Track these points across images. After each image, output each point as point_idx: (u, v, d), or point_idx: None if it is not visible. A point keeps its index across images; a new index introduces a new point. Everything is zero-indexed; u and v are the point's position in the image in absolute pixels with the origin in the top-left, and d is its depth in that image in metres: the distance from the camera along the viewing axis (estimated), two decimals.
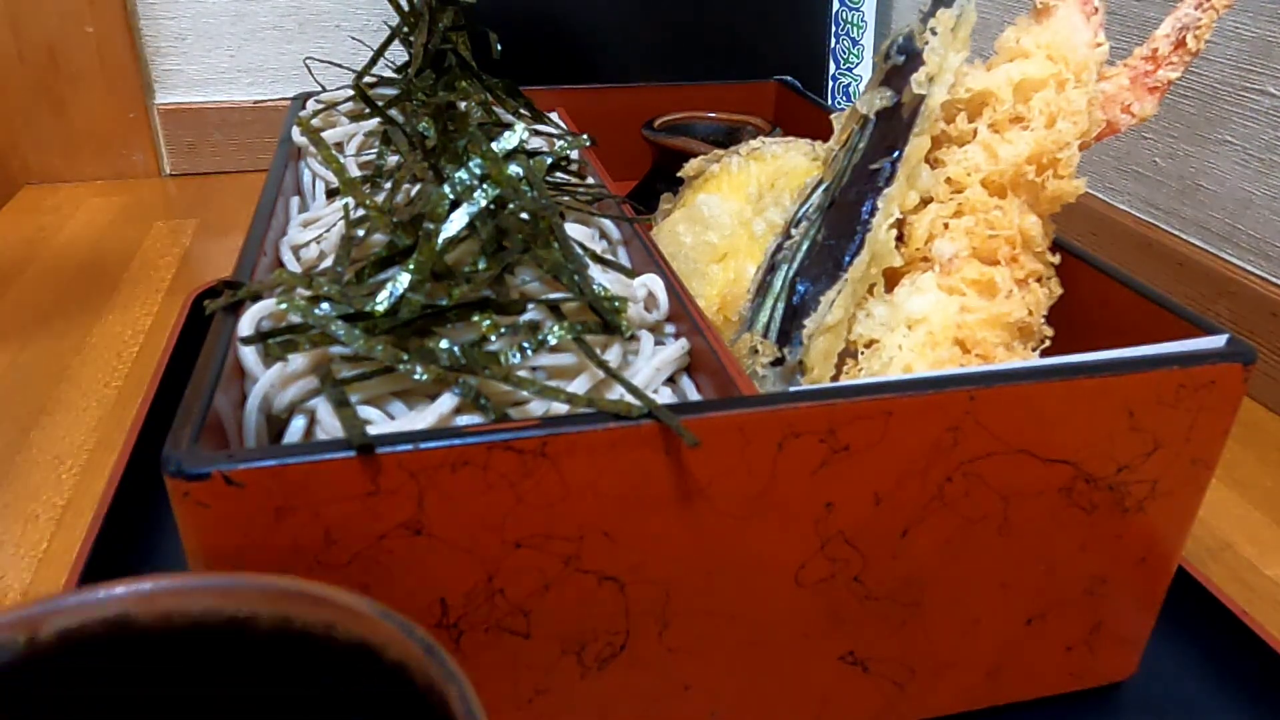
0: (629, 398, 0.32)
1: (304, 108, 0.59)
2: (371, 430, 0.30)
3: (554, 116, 0.59)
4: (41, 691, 0.21)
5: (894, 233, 0.42)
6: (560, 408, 0.32)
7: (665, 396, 0.37)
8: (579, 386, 0.34)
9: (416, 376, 0.31)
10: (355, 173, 0.49)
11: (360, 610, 0.21)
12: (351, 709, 0.22)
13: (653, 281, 0.40)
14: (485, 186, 0.36)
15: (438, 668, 0.20)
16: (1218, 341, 0.36)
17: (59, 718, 0.21)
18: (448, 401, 0.31)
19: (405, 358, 0.31)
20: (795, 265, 0.43)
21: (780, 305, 0.43)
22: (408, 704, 0.20)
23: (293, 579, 0.22)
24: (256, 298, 0.35)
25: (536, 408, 0.33)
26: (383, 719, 0.21)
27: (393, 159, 0.47)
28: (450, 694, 0.19)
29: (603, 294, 0.35)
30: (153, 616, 0.22)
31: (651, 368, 0.36)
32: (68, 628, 0.21)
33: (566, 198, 0.45)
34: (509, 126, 0.39)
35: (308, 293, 0.33)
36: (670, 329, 0.40)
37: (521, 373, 0.33)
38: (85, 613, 0.21)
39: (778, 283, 0.44)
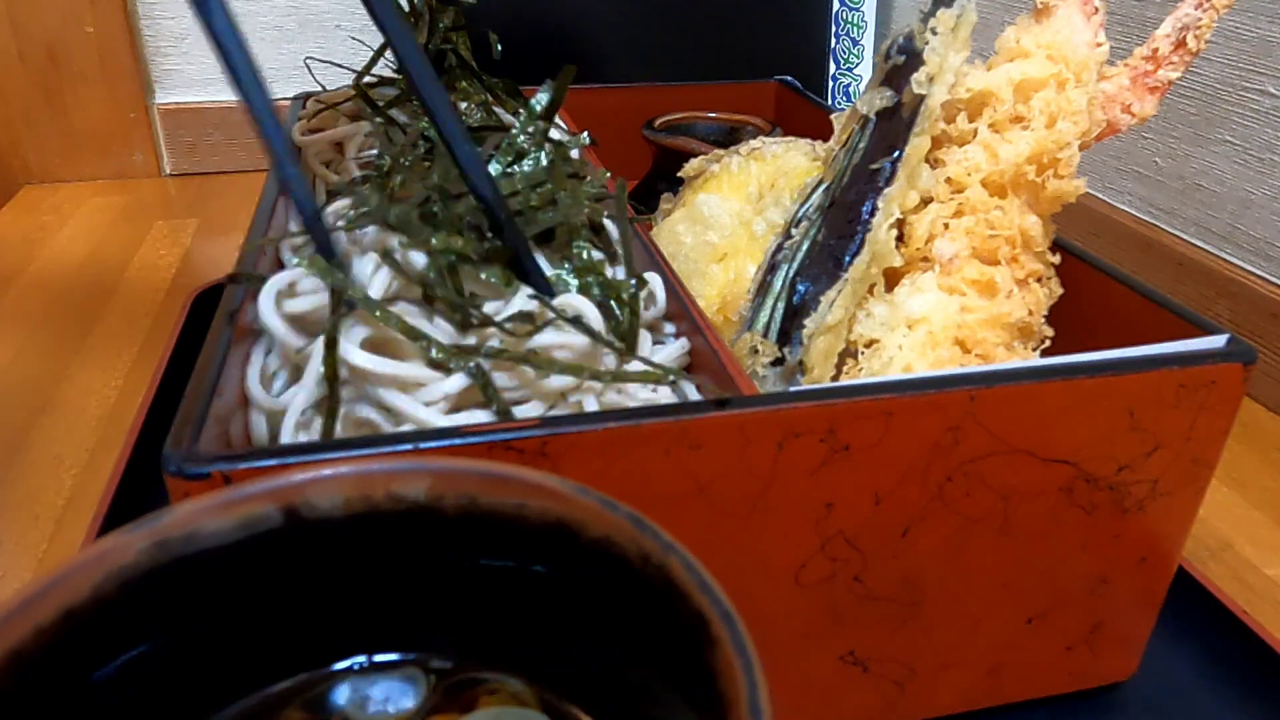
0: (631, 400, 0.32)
1: (304, 108, 0.58)
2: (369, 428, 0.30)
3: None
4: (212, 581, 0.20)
5: (894, 233, 0.42)
6: (586, 393, 0.32)
7: (665, 396, 0.37)
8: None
9: (433, 354, 0.31)
10: (355, 173, 0.49)
11: (553, 488, 0.20)
12: (552, 590, 0.21)
13: (652, 279, 0.40)
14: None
15: (652, 540, 0.19)
16: (1218, 341, 0.36)
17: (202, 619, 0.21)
18: (455, 383, 0.31)
19: (424, 330, 0.31)
20: (795, 265, 0.43)
21: (780, 305, 0.43)
22: (616, 581, 0.19)
23: (475, 460, 0.21)
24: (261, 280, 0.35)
25: (535, 406, 0.32)
26: (589, 598, 0.20)
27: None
28: (672, 564, 0.18)
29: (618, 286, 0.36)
30: (332, 504, 0.21)
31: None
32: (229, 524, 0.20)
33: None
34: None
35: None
36: (670, 329, 0.40)
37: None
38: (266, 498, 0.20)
39: (778, 283, 0.44)
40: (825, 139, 0.50)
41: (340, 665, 0.22)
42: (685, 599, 0.18)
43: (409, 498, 0.21)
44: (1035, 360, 0.41)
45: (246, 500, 0.20)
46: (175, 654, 0.20)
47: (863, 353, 0.41)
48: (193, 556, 0.20)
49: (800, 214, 0.46)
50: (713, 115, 0.74)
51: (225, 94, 1.13)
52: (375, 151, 0.49)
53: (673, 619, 0.18)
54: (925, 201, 0.43)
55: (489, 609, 0.22)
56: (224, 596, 0.21)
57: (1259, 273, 0.72)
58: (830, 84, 1.18)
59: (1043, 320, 0.43)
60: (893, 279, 0.43)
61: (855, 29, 1.15)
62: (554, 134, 0.54)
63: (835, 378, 0.41)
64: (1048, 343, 0.43)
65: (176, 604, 0.20)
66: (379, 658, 0.22)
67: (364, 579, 0.22)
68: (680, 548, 0.18)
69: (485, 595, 0.22)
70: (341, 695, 0.22)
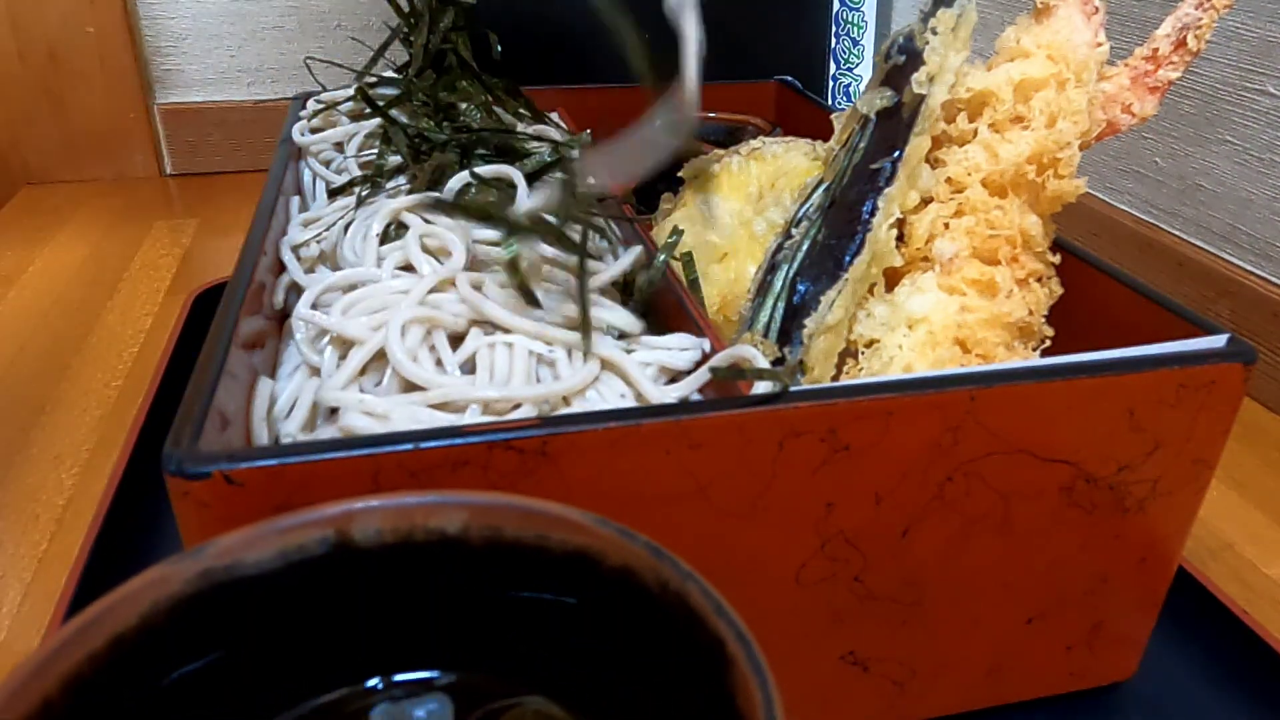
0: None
1: (304, 108, 0.58)
2: (374, 424, 0.30)
3: (554, 116, 0.59)
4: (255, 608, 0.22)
5: (894, 232, 0.42)
6: None
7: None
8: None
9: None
10: (356, 172, 0.49)
11: (574, 520, 0.21)
12: (576, 617, 0.22)
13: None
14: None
15: (670, 568, 0.19)
16: (1218, 341, 0.36)
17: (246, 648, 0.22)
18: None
19: None
20: (796, 265, 0.43)
21: (781, 305, 0.43)
22: (636, 608, 0.20)
23: (500, 494, 0.22)
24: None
25: (531, 408, 0.33)
26: (610, 624, 0.21)
27: (393, 159, 0.47)
28: (690, 591, 0.19)
29: None
30: (368, 535, 0.22)
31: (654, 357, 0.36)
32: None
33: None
34: None
35: None
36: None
37: None
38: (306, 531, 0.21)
39: (778, 282, 0.43)
40: (825, 139, 0.50)
41: (372, 682, 0.23)
42: (703, 623, 0.18)
43: (442, 530, 0.22)
44: (1035, 360, 0.41)
45: (287, 531, 0.21)
46: (218, 677, 0.21)
47: (863, 353, 0.41)
48: (235, 585, 0.21)
49: (800, 214, 0.46)
50: (713, 115, 0.73)
51: (225, 94, 1.13)
52: (375, 151, 0.49)
53: (691, 643, 0.19)
54: (925, 201, 0.43)
55: (514, 634, 0.23)
56: (263, 623, 0.22)
57: (1259, 273, 0.72)
58: (830, 84, 1.18)
59: (1043, 320, 0.43)
60: (893, 279, 0.43)
61: (855, 29, 1.15)
62: (554, 134, 0.54)
63: (835, 378, 0.41)
64: (1048, 343, 0.43)
65: (219, 630, 0.21)
66: (405, 676, 0.23)
67: (394, 606, 0.23)
68: (697, 575, 0.19)
69: (510, 621, 0.23)
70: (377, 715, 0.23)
